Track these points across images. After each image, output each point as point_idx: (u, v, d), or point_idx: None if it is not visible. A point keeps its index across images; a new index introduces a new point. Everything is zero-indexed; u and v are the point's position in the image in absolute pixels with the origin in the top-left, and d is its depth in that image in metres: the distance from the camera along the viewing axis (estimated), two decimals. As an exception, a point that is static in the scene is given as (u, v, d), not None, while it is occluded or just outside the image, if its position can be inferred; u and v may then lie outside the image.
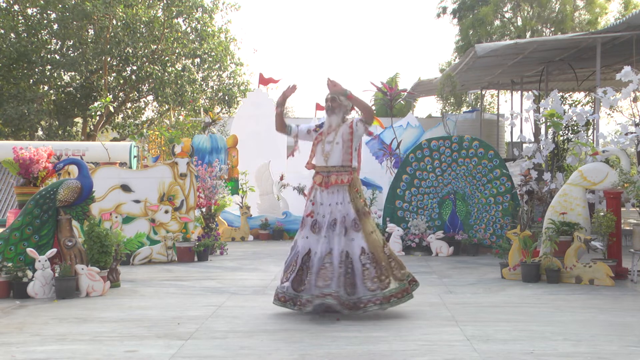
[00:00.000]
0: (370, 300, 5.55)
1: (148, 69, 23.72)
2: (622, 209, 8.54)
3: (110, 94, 23.28)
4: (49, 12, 23.18)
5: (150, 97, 26.06)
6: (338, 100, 5.85)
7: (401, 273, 5.77)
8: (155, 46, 23.90)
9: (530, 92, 9.78)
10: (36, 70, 23.31)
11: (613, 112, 25.85)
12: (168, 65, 24.23)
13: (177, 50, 24.26)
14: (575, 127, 15.09)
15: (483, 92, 24.33)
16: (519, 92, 19.84)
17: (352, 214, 5.70)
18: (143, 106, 26.90)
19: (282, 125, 6.03)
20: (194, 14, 24.04)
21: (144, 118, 26.83)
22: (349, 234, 5.66)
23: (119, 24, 23.23)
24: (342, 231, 5.64)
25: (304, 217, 5.84)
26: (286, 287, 5.65)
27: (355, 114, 6.08)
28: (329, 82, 5.86)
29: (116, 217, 9.61)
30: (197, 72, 24.97)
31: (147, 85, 24.63)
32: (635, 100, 8.80)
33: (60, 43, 23.72)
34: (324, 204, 5.76)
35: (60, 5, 22.40)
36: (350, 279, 5.58)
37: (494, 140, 19.96)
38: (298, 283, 5.63)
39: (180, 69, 24.30)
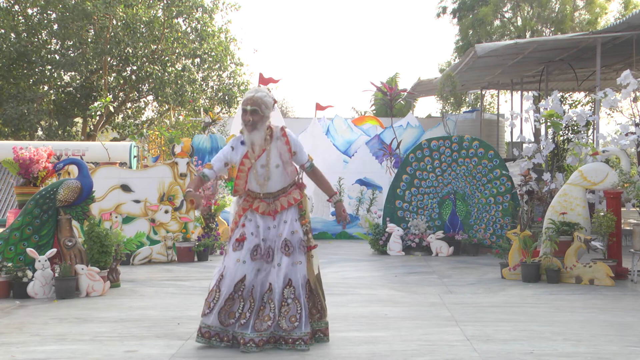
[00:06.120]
0: (300, 337, 4.65)
1: (148, 69, 23.70)
2: (622, 209, 8.54)
3: (110, 94, 23.24)
4: (49, 12, 23.15)
5: (150, 97, 26.03)
6: (260, 112, 4.93)
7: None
8: (155, 46, 23.88)
9: (530, 92, 9.78)
10: (36, 70, 23.27)
11: (613, 112, 25.84)
12: (168, 65, 24.20)
13: (177, 50, 24.24)
14: (575, 128, 15.10)
15: (483, 92, 24.33)
16: (519, 92, 19.85)
17: (301, 233, 4.87)
18: (143, 106, 26.86)
19: (200, 185, 5.09)
20: (194, 14, 24.01)
21: (144, 118, 26.79)
22: (295, 256, 4.78)
23: (119, 24, 23.21)
24: (288, 252, 4.77)
25: (235, 240, 4.82)
26: (211, 320, 4.69)
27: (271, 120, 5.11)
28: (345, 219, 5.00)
29: (116, 217, 9.62)
30: (197, 72, 24.93)
31: (147, 85, 24.59)
32: (635, 100, 8.80)
33: (60, 43, 23.69)
34: (270, 227, 4.86)
35: (60, 5, 22.37)
36: (291, 311, 4.71)
37: (494, 140, 19.97)
38: (226, 315, 4.70)
39: (180, 69, 24.27)
